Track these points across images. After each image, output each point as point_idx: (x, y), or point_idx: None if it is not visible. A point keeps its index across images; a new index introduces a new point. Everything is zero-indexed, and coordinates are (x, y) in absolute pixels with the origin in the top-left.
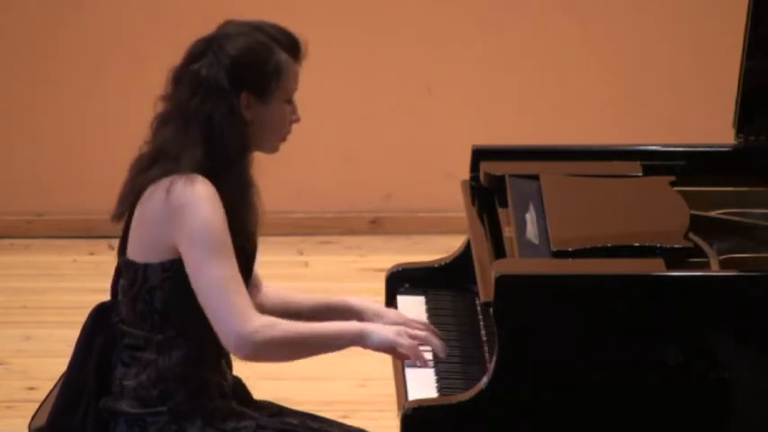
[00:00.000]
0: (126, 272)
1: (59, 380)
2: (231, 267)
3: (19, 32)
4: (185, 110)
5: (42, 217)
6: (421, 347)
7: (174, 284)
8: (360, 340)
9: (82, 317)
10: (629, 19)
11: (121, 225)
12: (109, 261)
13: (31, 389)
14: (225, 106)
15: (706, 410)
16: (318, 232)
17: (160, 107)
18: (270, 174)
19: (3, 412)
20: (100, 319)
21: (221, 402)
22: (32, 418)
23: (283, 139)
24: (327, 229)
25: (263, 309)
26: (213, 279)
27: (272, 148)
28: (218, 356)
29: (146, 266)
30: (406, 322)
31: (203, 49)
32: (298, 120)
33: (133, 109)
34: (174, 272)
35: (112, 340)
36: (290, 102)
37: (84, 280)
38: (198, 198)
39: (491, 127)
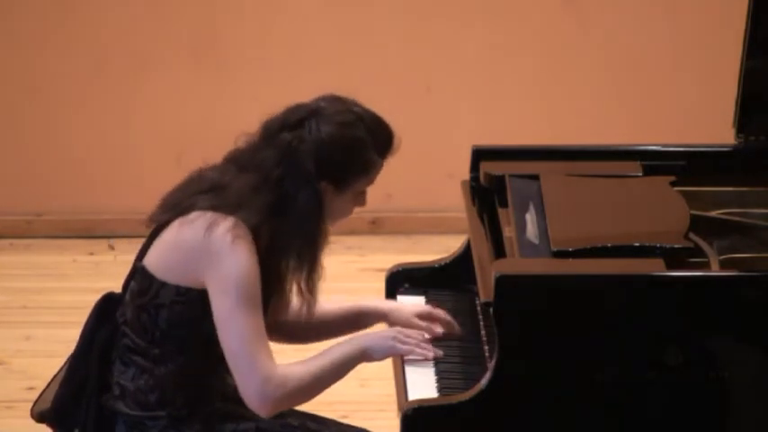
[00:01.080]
0: (140, 279)
1: (63, 365)
2: (258, 321)
3: (19, 32)
4: (266, 174)
5: (42, 217)
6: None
7: (181, 310)
8: (365, 359)
9: (82, 317)
10: (629, 19)
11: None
12: (109, 261)
13: (31, 389)
14: (310, 191)
15: (706, 410)
16: None
17: (242, 144)
18: None
19: (3, 412)
20: (106, 310)
21: (221, 404)
22: (35, 402)
23: (334, 223)
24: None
25: (286, 324)
26: (241, 330)
27: (317, 250)
28: (216, 364)
29: (162, 284)
30: (404, 325)
31: (301, 119)
32: (362, 206)
33: (133, 109)
34: (186, 299)
35: (114, 336)
36: (363, 192)
37: (84, 280)
38: (237, 248)
39: (491, 127)
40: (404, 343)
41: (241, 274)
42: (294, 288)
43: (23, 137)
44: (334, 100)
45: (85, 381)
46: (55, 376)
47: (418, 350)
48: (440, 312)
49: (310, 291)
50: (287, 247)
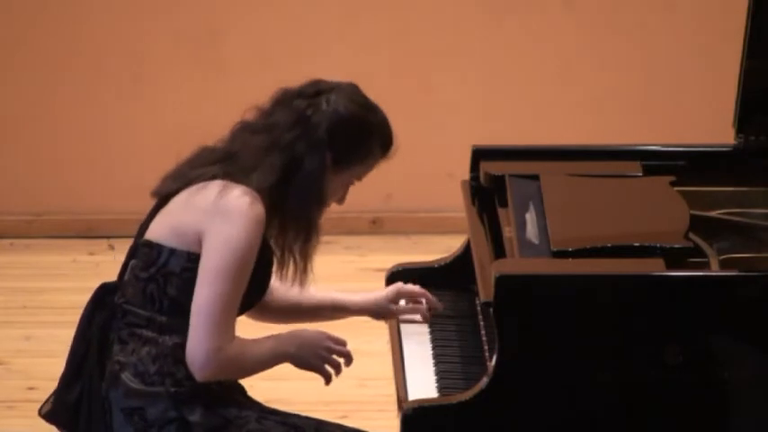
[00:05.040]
0: (144, 253)
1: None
2: (237, 291)
3: (18, 33)
4: (278, 137)
5: (42, 217)
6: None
7: (192, 276)
8: (290, 361)
9: None
10: (629, 19)
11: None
12: (108, 261)
13: (31, 389)
14: (317, 157)
15: (706, 410)
16: None
17: (252, 116)
18: None
19: (3, 412)
20: (102, 298)
21: (216, 387)
22: (44, 403)
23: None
24: (327, 229)
25: (270, 305)
26: (218, 293)
27: (317, 218)
28: None
29: (172, 251)
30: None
31: (318, 91)
32: (340, 203)
33: (133, 109)
34: (197, 264)
35: (111, 319)
36: (348, 185)
37: (84, 280)
38: (247, 215)
39: (491, 127)
40: (324, 360)
41: (241, 241)
42: (291, 260)
43: (23, 137)
44: (356, 86)
45: (83, 362)
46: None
47: (326, 372)
48: (411, 288)
49: (304, 259)
50: (289, 209)
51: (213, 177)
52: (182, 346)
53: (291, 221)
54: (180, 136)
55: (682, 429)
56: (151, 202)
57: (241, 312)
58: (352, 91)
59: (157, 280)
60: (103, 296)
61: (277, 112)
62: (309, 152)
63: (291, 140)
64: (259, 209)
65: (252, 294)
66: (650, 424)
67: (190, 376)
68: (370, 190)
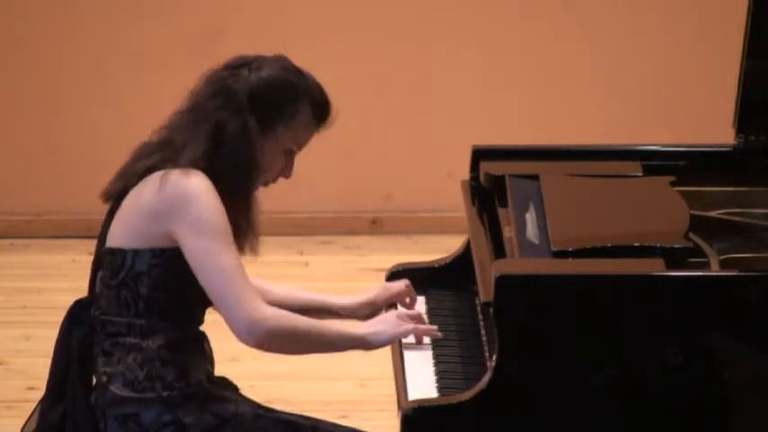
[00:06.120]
0: (109, 261)
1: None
2: (237, 257)
3: (18, 33)
4: (202, 108)
5: (42, 217)
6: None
7: (161, 272)
8: (362, 346)
9: None
10: (629, 19)
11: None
12: None
13: (31, 389)
14: (238, 120)
15: (706, 410)
16: (318, 232)
17: (184, 102)
18: None
19: (3, 412)
20: (77, 314)
21: (210, 386)
22: (27, 422)
23: (263, 184)
24: (327, 229)
25: None
26: (223, 266)
27: (250, 185)
28: (200, 341)
29: (135, 252)
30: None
31: (242, 63)
32: (286, 176)
33: (133, 109)
34: (163, 259)
35: (91, 333)
36: (288, 153)
37: (84, 280)
38: (199, 189)
39: (491, 127)
40: (407, 329)
41: (208, 213)
42: (240, 230)
43: (24, 137)
44: (284, 57)
45: (65, 379)
46: (40, 400)
47: (421, 332)
48: (398, 290)
49: (251, 227)
50: (225, 180)
51: (153, 168)
52: (166, 347)
53: (232, 190)
54: None
55: (682, 429)
56: None
57: (203, 304)
58: (278, 59)
59: (128, 284)
60: (79, 312)
61: (202, 88)
62: (231, 117)
63: (213, 109)
64: (200, 179)
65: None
66: (650, 424)
67: (180, 378)
68: (370, 190)
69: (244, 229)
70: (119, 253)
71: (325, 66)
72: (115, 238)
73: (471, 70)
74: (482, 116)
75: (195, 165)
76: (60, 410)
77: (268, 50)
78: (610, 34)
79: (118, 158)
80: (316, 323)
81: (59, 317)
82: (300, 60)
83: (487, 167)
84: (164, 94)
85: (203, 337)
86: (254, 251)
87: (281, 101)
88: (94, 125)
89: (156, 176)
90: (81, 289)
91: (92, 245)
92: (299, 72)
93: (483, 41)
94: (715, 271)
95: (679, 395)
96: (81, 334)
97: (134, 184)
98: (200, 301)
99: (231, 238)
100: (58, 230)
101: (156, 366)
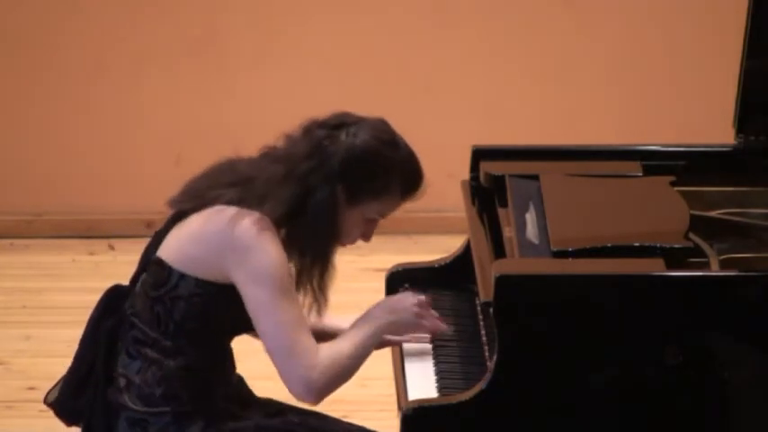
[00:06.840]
0: (155, 270)
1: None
2: (296, 308)
3: (18, 32)
4: (294, 166)
5: (42, 217)
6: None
7: (199, 302)
8: (388, 332)
9: (82, 317)
10: (629, 19)
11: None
12: (108, 261)
13: (31, 389)
14: (326, 191)
15: (706, 410)
16: None
17: (279, 143)
18: None
19: (3, 412)
20: (112, 302)
21: (223, 404)
22: (49, 392)
23: (342, 245)
24: None
25: None
26: (280, 320)
27: (328, 251)
28: (223, 362)
29: (181, 275)
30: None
31: (341, 124)
32: (366, 240)
33: (133, 109)
34: (204, 290)
35: (120, 327)
36: (370, 221)
37: (84, 280)
38: (266, 240)
39: (491, 127)
40: (423, 317)
41: (273, 264)
42: (308, 290)
43: (23, 137)
44: (383, 122)
45: (91, 369)
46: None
47: (438, 325)
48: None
49: (321, 290)
50: (302, 242)
51: (228, 203)
52: (186, 369)
53: (307, 253)
54: (179, 136)
55: (682, 429)
56: (151, 202)
57: (236, 333)
58: (377, 126)
59: (165, 302)
60: (114, 300)
61: (299, 141)
62: (321, 184)
63: (305, 171)
64: (269, 232)
65: (242, 319)
66: (650, 424)
67: (195, 397)
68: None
69: (313, 289)
70: (167, 268)
71: (324, 66)
72: (168, 253)
73: (471, 70)
74: (482, 116)
75: (275, 221)
76: (84, 400)
77: (268, 51)
78: (610, 34)
79: (118, 158)
80: (352, 349)
81: (59, 317)
82: (300, 61)
83: (487, 167)
84: (164, 94)
85: (229, 354)
86: (319, 313)
87: (372, 174)
88: (94, 125)
89: (228, 213)
90: (81, 289)
91: (92, 245)
92: (394, 143)
93: (483, 41)
94: (715, 271)
95: (679, 395)
96: (110, 325)
97: (201, 208)
98: (232, 334)
99: (293, 289)
100: (58, 230)
101: (174, 386)
